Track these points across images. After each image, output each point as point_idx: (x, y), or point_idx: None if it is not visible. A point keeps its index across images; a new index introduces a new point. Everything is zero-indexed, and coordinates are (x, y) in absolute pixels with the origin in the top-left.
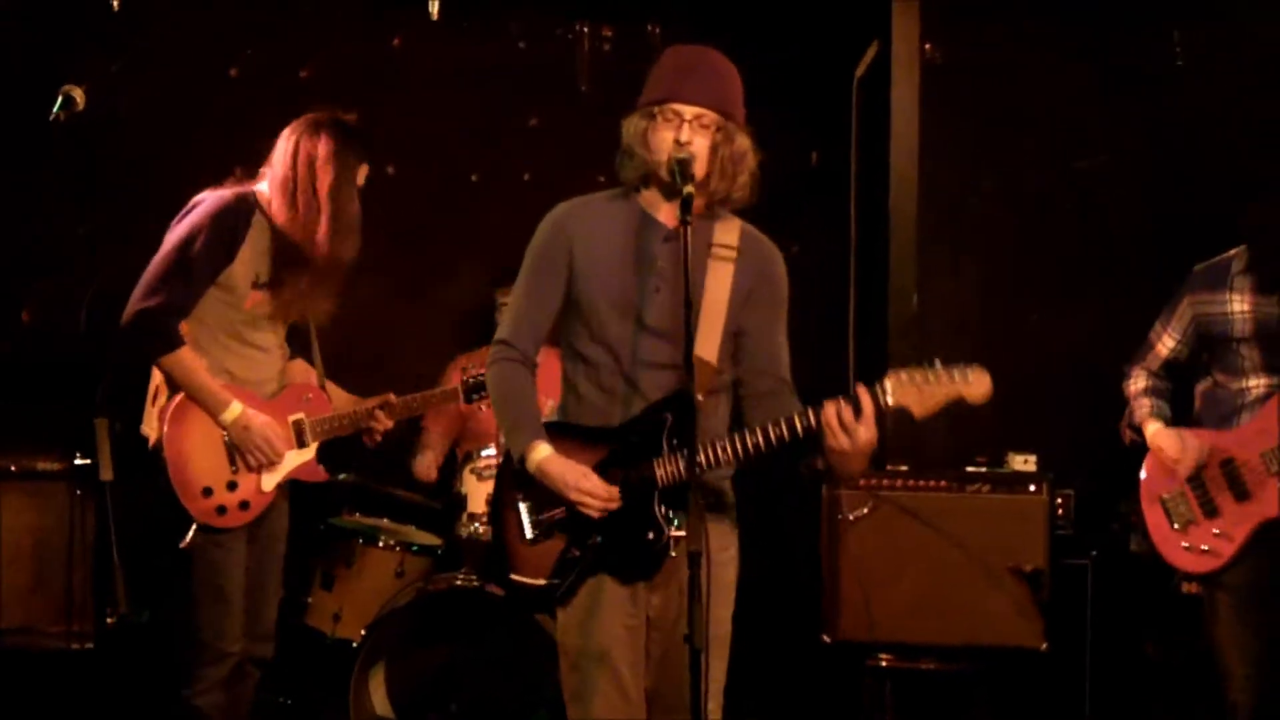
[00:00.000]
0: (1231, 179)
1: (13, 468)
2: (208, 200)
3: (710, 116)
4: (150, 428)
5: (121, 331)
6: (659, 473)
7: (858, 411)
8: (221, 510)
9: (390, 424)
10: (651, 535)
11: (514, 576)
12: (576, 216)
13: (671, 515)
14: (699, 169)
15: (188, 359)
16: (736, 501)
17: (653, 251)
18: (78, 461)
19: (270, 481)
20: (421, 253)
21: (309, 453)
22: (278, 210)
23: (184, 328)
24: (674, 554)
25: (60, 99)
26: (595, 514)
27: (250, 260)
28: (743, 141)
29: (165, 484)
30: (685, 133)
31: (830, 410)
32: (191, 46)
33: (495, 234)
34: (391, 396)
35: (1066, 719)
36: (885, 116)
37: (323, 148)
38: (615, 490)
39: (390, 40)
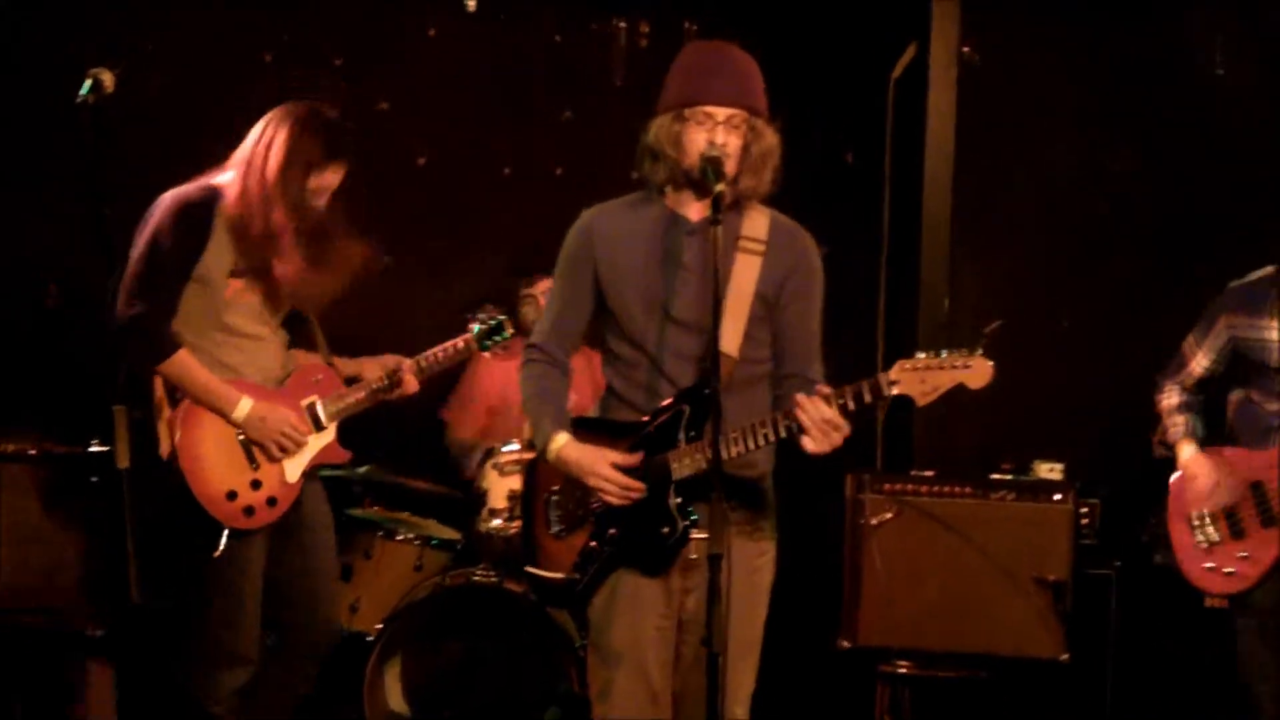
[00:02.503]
0: (1270, 185)
1: (31, 451)
2: (170, 199)
3: (740, 116)
4: (163, 442)
5: (114, 341)
6: (674, 465)
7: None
8: (249, 511)
9: (415, 389)
10: (666, 529)
11: (530, 569)
12: (601, 222)
13: (689, 509)
14: (730, 167)
15: (187, 361)
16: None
17: (679, 246)
18: (95, 448)
19: (295, 471)
20: (451, 245)
21: (329, 435)
22: (229, 191)
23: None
24: (695, 556)
25: (89, 82)
26: (616, 500)
27: (221, 250)
28: (771, 137)
29: (186, 495)
30: (720, 134)
31: (814, 413)
32: (225, 30)
33: (526, 228)
34: (403, 362)
35: None
36: (921, 117)
37: (282, 134)
38: (632, 476)
39: (426, 31)
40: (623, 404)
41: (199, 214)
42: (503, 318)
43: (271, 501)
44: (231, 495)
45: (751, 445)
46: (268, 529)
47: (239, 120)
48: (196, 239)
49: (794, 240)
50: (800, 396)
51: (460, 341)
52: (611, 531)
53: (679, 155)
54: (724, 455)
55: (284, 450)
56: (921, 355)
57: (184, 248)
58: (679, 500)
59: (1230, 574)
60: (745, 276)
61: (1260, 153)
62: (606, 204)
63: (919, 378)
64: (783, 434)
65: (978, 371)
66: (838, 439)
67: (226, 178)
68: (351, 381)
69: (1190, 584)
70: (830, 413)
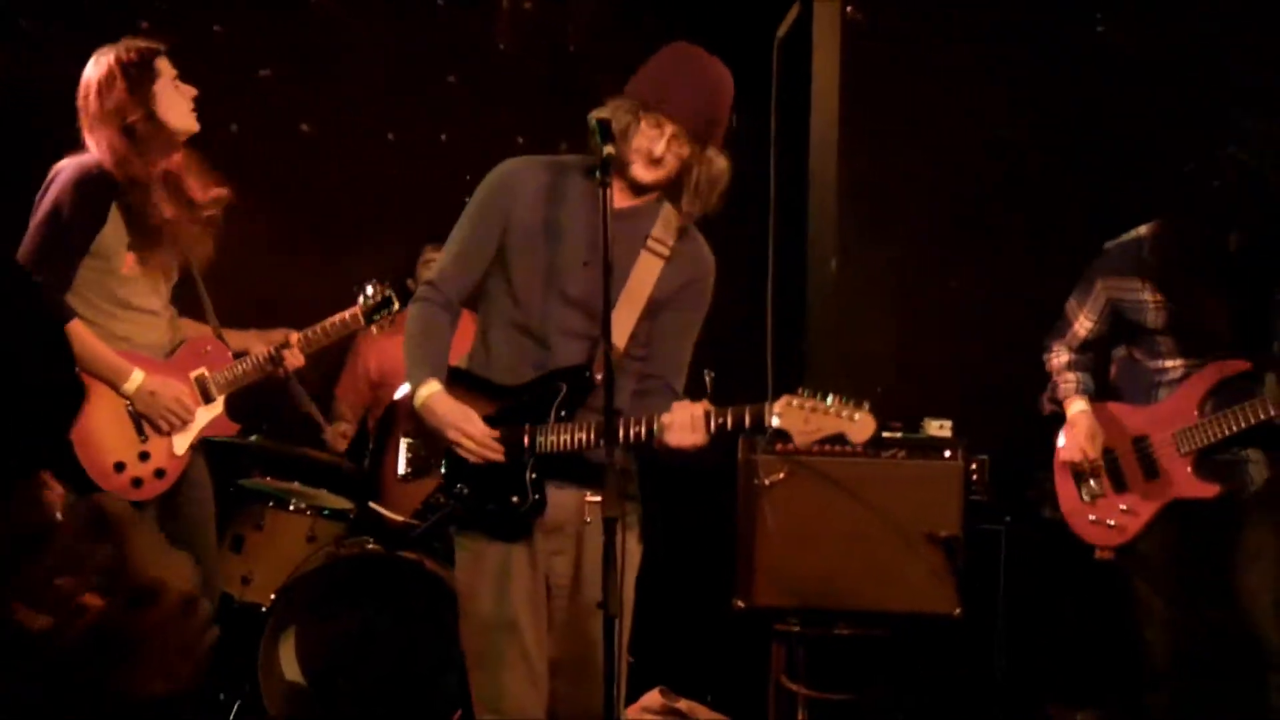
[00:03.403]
0: (1154, 150)
1: None
2: (69, 168)
3: (688, 139)
4: None
5: None
6: (539, 440)
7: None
8: (137, 483)
9: (301, 362)
10: (516, 499)
11: (373, 504)
12: (522, 178)
13: (543, 484)
14: (659, 177)
15: (81, 332)
16: (638, 471)
17: (590, 229)
18: None
19: (183, 444)
20: (338, 211)
21: (217, 407)
22: (100, 154)
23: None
24: (589, 520)
25: None
26: (471, 458)
27: (119, 224)
28: (720, 164)
29: (74, 466)
30: (661, 147)
31: (682, 416)
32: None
33: (413, 193)
34: (291, 335)
35: (978, 684)
36: (806, 78)
37: (101, 71)
38: (494, 439)
39: None
40: (494, 362)
41: (99, 187)
42: (390, 293)
43: (159, 473)
44: (119, 467)
45: (628, 437)
46: (156, 500)
47: None
48: (96, 215)
49: (697, 256)
50: (678, 404)
51: (347, 314)
52: (460, 488)
53: (625, 147)
54: (587, 441)
55: (172, 425)
56: (809, 397)
57: (83, 223)
58: (534, 475)
59: (1113, 526)
60: (645, 276)
61: (1149, 116)
62: (533, 159)
63: (803, 418)
64: (646, 436)
65: (862, 426)
66: (688, 441)
67: (91, 152)
68: (240, 354)
69: (1076, 536)
70: (698, 413)
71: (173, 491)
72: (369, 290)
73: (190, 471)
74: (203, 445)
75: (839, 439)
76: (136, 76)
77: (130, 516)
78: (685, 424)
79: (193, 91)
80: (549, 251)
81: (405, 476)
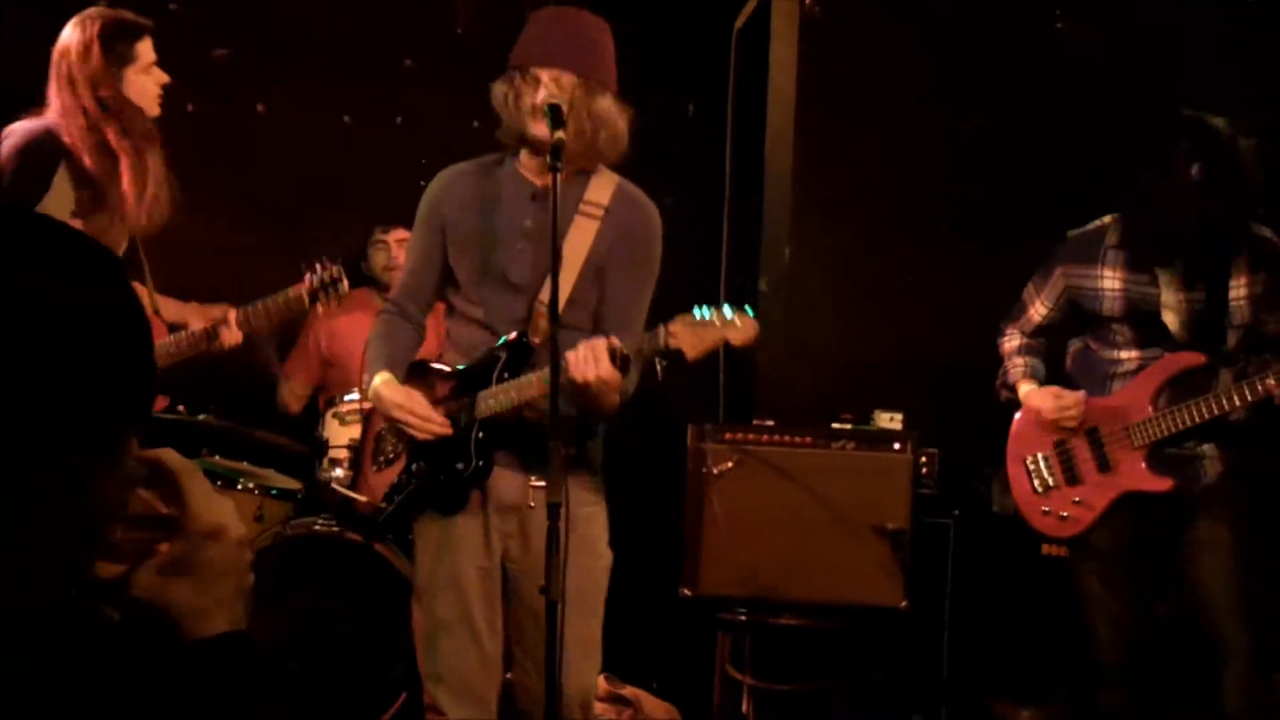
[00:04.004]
0: (1110, 144)
1: None
2: (15, 133)
3: (567, 79)
4: None
5: None
6: (480, 404)
7: (609, 357)
8: None
9: (239, 340)
10: (461, 465)
11: (344, 491)
12: (453, 184)
13: (491, 448)
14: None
15: None
16: (603, 457)
17: (523, 212)
18: None
19: None
20: (292, 192)
21: None
22: (60, 126)
23: None
24: (533, 505)
25: None
26: (419, 435)
27: (65, 190)
28: (603, 102)
29: None
30: (541, 94)
31: (580, 348)
32: None
33: (367, 176)
34: (231, 311)
35: (924, 676)
36: (764, 69)
37: (77, 40)
38: (439, 414)
39: None
40: (458, 353)
41: (45, 154)
42: (338, 272)
43: None
44: None
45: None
46: None
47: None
48: (39, 181)
49: (634, 208)
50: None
51: (291, 292)
52: (416, 466)
53: (511, 116)
54: (523, 395)
55: None
56: (699, 311)
57: (27, 189)
58: (480, 436)
59: (1065, 518)
60: (580, 241)
61: (1105, 111)
62: (461, 165)
63: (692, 333)
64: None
65: (741, 329)
66: (592, 373)
67: (53, 112)
68: (176, 328)
69: (1028, 526)
70: (600, 344)
71: None
72: (317, 268)
73: None
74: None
75: (724, 346)
76: (114, 53)
77: (187, 467)
78: (587, 356)
79: (164, 79)
80: (486, 245)
81: (379, 467)
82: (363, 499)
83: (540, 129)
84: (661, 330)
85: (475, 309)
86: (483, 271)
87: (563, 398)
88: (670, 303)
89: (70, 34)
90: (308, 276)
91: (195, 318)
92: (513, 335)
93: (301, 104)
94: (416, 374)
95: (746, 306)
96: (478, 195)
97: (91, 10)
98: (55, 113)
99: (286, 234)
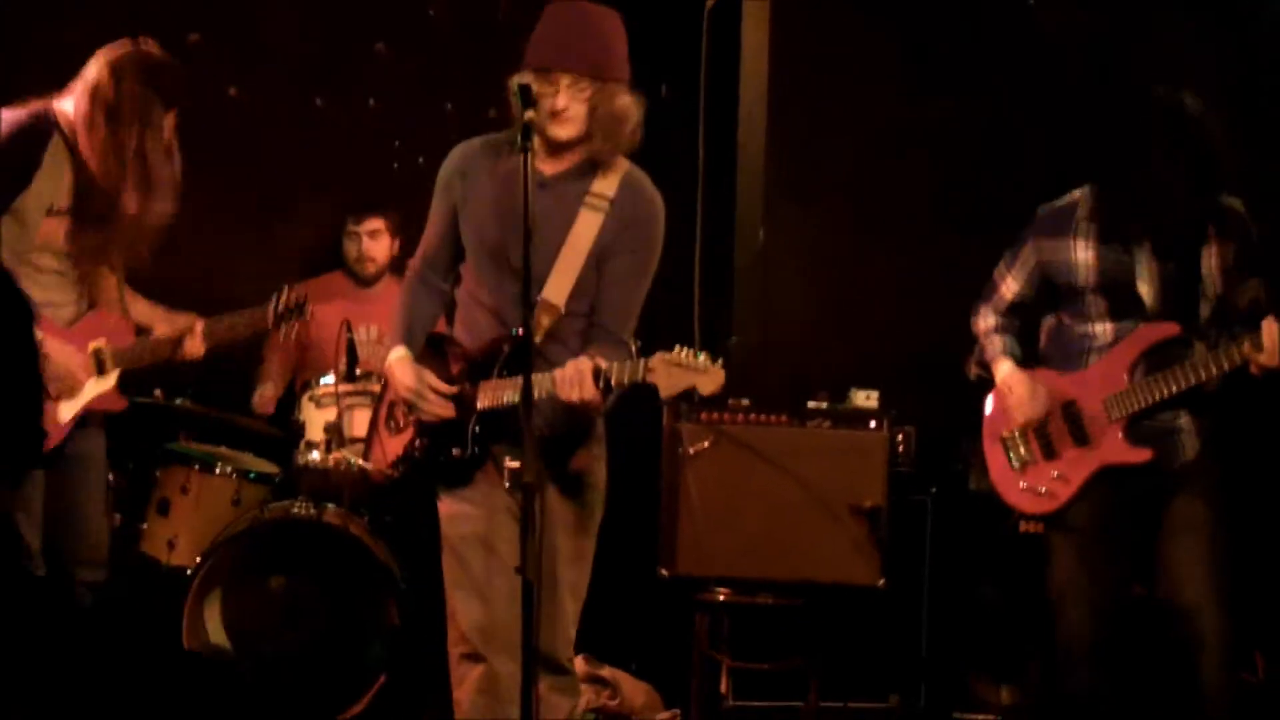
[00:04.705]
0: (1081, 121)
1: None
2: (1, 122)
3: (585, 83)
4: None
5: None
6: (480, 397)
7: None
8: None
9: (201, 352)
10: (456, 451)
11: (356, 460)
12: (468, 161)
13: (486, 439)
14: (573, 130)
15: None
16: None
17: (531, 199)
18: None
19: (68, 412)
20: (263, 177)
21: (109, 381)
22: (83, 147)
23: None
24: (507, 485)
25: None
26: (424, 417)
27: (46, 186)
28: (623, 100)
29: None
30: (561, 100)
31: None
32: None
33: (340, 160)
34: (197, 324)
35: (902, 655)
36: (736, 52)
37: (126, 97)
38: (445, 396)
39: None
40: (464, 331)
41: (29, 146)
42: (303, 301)
43: None
44: None
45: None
46: (39, 471)
47: (37, 41)
48: (20, 174)
49: (637, 197)
50: (571, 360)
51: (256, 314)
52: (421, 441)
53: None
54: (535, 394)
55: (59, 391)
56: (679, 351)
57: (7, 181)
58: (477, 428)
59: (1043, 493)
60: (585, 232)
61: (1077, 89)
62: (476, 141)
63: (667, 372)
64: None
65: (711, 378)
66: (576, 395)
67: (66, 105)
68: (143, 331)
69: (1006, 504)
70: (586, 368)
71: (56, 462)
72: (282, 293)
73: (78, 444)
74: (104, 421)
75: (692, 392)
76: (162, 112)
77: None
78: (573, 379)
79: (176, 168)
80: (495, 227)
81: (390, 430)
82: (369, 466)
83: (559, 130)
84: (642, 364)
85: (482, 291)
86: (491, 252)
87: (540, 416)
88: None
89: (127, 95)
90: (273, 300)
91: (162, 324)
92: (519, 331)
93: (274, 88)
94: (434, 348)
95: (719, 359)
96: (492, 177)
97: (148, 63)
98: (72, 114)
99: (258, 218)
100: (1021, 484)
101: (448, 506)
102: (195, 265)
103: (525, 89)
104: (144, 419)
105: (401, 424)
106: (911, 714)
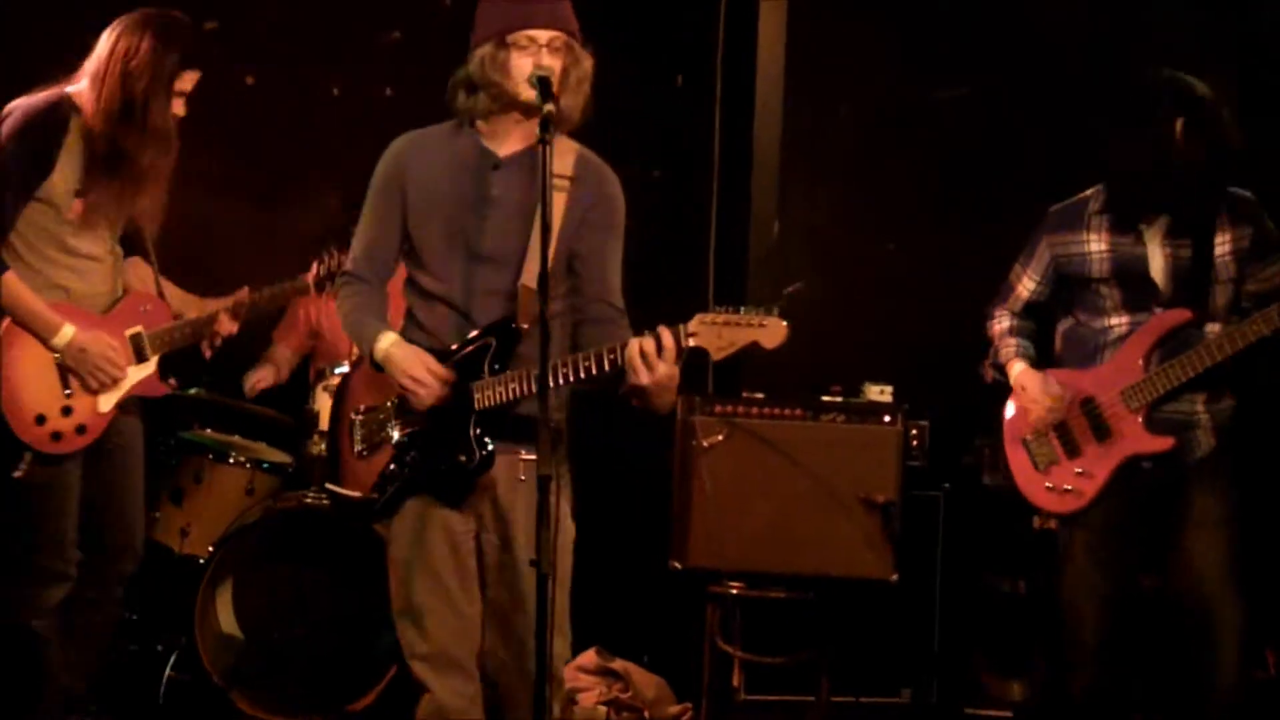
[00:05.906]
0: (1093, 112)
1: None
2: (18, 111)
3: (561, 38)
4: None
5: None
6: (477, 397)
7: (660, 349)
8: (57, 436)
9: (235, 328)
10: (464, 457)
11: (330, 486)
12: (411, 151)
13: (487, 440)
14: (556, 90)
15: (12, 284)
16: (569, 435)
17: (486, 182)
18: None
19: (108, 402)
20: (279, 165)
21: (149, 367)
22: (87, 105)
23: (5, 250)
24: (523, 477)
25: None
26: (423, 404)
27: (70, 169)
28: (587, 61)
29: None
30: (545, 57)
31: (634, 346)
32: None
33: (355, 149)
34: (244, 294)
35: (914, 650)
36: (751, 42)
37: (144, 46)
38: (447, 381)
39: None
40: (423, 333)
41: (49, 133)
42: (343, 259)
43: (80, 429)
44: (40, 419)
45: (572, 378)
46: (79, 458)
47: (51, 29)
48: (44, 158)
49: (598, 175)
50: (634, 339)
51: (299, 282)
52: (410, 456)
53: (507, 82)
54: (524, 391)
55: (101, 382)
56: (721, 310)
57: (29, 167)
58: (479, 431)
59: (1068, 491)
60: (552, 213)
61: (1088, 80)
62: (420, 132)
63: (716, 332)
64: (607, 368)
65: (772, 331)
66: (660, 373)
67: (80, 88)
68: (178, 316)
69: (1032, 505)
70: (650, 346)
71: (97, 450)
72: (324, 257)
73: (118, 431)
74: (140, 407)
75: (754, 348)
76: (178, 70)
77: None
78: (651, 355)
79: (180, 113)
80: (450, 215)
81: (361, 454)
82: (354, 494)
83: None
84: (680, 330)
85: (442, 285)
86: (449, 243)
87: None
88: (658, 277)
89: (141, 42)
90: (314, 265)
91: (195, 312)
92: (518, 323)
93: (290, 76)
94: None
95: (777, 309)
96: (439, 164)
97: (160, 21)
98: (87, 96)
99: (274, 206)
100: (1047, 484)
101: (387, 528)
102: (210, 251)
103: (544, 81)
104: (158, 408)
105: (377, 440)
106: (923, 708)
